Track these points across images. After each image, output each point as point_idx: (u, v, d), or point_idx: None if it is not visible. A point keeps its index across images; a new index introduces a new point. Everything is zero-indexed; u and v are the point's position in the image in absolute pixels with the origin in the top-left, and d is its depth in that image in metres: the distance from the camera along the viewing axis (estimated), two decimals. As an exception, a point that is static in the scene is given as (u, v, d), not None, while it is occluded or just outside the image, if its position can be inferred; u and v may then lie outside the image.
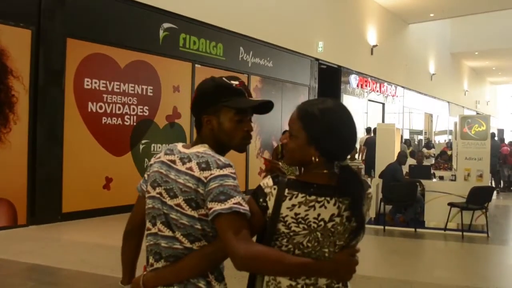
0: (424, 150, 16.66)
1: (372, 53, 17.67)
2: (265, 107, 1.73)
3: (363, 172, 12.25)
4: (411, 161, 10.38)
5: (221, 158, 1.59)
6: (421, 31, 22.67)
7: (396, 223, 8.35)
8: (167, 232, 1.61)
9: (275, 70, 12.40)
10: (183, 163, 1.61)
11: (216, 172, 1.53)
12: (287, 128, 1.69)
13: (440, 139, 26.19)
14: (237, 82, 1.69)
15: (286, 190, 1.52)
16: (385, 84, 19.45)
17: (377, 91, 18.79)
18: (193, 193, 1.55)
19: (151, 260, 1.67)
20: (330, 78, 15.40)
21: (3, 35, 6.64)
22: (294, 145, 1.57)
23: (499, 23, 23.64)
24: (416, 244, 7.45)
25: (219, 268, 1.64)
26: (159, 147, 9.02)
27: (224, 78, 1.70)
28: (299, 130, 1.55)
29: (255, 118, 1.81)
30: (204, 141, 1.69)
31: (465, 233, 7.65)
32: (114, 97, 8.17)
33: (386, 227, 8.04)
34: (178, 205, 1.58)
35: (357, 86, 17.04)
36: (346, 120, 1.57)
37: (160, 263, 1.63)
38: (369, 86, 17.95)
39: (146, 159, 8.73)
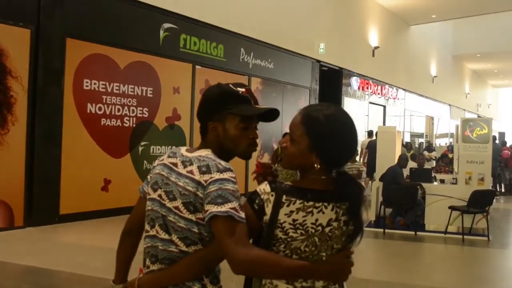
0: (425, 153, 16.61)
1: (373, 55, 17.62)
2: (271, 114, 1.72)
3: (364, 174, 12.21)
4: (412, 164, 10.33)
5: (222, 162, 1.59)
6: (423, 33, 22.63)
7: (396, 226, 8.30)
8: (164, 235, 1.62)
9: (276, 71, 12.36)
10: (185, 166, 1.62)
11: (216, 175, 1.54)
12: (287, 130, 1.67)
13: (441, 142, 26.14)
14: (243, 89, 1.69)
15: (284, 197, 1.51)
16: (387, 86, 19.40)
17: (378, 94, 18.74)
18: (192, 196, 1.55)
19: (147, 262, 1.67)
20: (331, 80, 15.36)
21: (1, 34, 6.61)
22: (295, 150, 1.56)
23: (502, 25, 23.59)
24: (416, 247, 7.40)
25: (214, 271, 1.64)
26: (159, 149, 8.98)
27: (230, 85, 1.70)
28: (302, 135, 1.54)
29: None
30: (209, 147, 1.69)
31: (465, 237, 7.61)
32: (114, 98, 8.13)
33: (386, 230, 8.00)
34: (177, 207, 1.58)
35: (358, 88, 16.99)
36: (349, 128, 1.56)
37: (156, 266, 1.64)
38: (370, 89, 17.90)
39: (145, 161, 8.69)
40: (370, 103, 18.16)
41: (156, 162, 1.77)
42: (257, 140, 1.77)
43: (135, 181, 8.24)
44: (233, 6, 10.72)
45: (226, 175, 1.54)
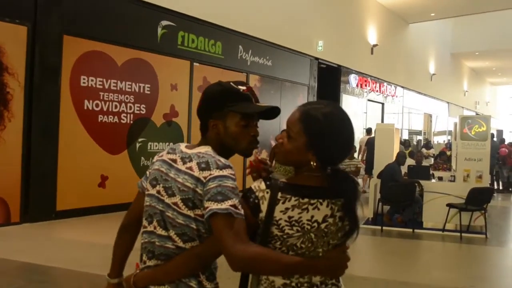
0: (424, 150, 16.61)
1: (372, 53, 17.60)
2: (271, 112, 1.73)
3: (362, 171, 12.21)
4: (410, 161, 10.32)
5: (221, 159, 1.59)
6: (421, 31, 22.60)
7: (394, 223, 8.29)
8: (162, 231, 1.62)
9: (274, 69, 12.34)
10: (184, 163, 1.62)
11: (216, 172, 1.54)
12: (285, 127, 1.67)
13: (439, 140, 26.14)
14: (244, 88, 1.70)
15: (279, 194, 1.51)
16: (385, 84, 19.39)
17: (377, 91, 18.73)
18: (191, 192, 1.56)
19: (144, 258, 1.68)
20: (330, 78, 15.33)
21: (-2, 31, 6.58)
22: (291, 147, 1.55)
23: (500, 24, 23.60)
24: (414, 245, 7.40)
25: (210, 268, 1.64)
26: (156, 146, 8.96)
27: (231, 83, 1.71)
28: (299, 133, 1.53)
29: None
30: (209, 144, 1.69)
31: (463, 234, 7.60)
32: (111, 95, 8.11)
33: (384, 228, 7.98)
34: (175, 203, 1.59)
35: (357, 85, 16.97)
36: (347, 128, 1.56)
37: (152, 261, 1.64)
38: (368, 86, 17.89)
39: (142, 158, 8.67)
40: (369, 100, 18.14)
41: (155, 158, 1.78)
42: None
43: (132, 178, 8.23)
44: (231, 4, 10.68)
45: (225, 172, 1.54)
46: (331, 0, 14.92)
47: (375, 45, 17.60)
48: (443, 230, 7.89)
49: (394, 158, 8.75)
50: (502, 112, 44.10)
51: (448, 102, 29.00)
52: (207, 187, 1.52)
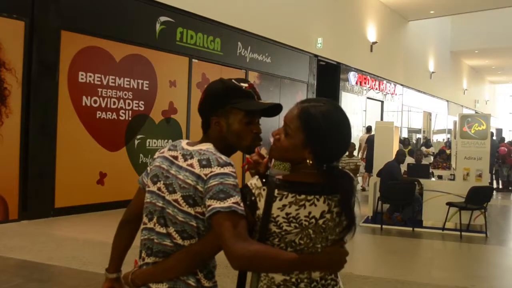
0: (423, 148, 16.59)
1: (371, 50, 17.56)
2: (273, 110, 1.73)
3: (362, 169, 12.18)
4: (409, 159, 10.29)
5: (222, 156, 1.59)
6: (421, 29, 22.59)
7: (393, 222, 8.26)
8: (161, 228, 1.62)
9: (273, 66, 12.29)
10: (185, 160, 1.62)
11: (217, 170, 1.54)
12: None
13: (439, 138, 26.14)
14: (246, 85, 1.70)
15: (276, 191, 1.51)
16: (384, 81, 19.36)
17: (376, 89, 18.70)
18: (192, 189, 1.55)
19: (143, 254, 1.69)
20: (329, 75, 15.29)
21: (-5, 26, 6.52)
22: (288, 144, 1.55)
23: (500, 22, 23.58)
24: (413, 244, 7.36)
25: (209, 266, 1.64)
26: (155, 143, 8.91)
27: (233, 80, 1.71)
28: (297, 130, 1.52)
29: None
30: (211, 141, 1.69)
31: (463, 233, 7.57)
32: (109, 91, 8.05)
33: (384, 226, 7.95)
34: (176, 200, 1.59)
35: (356, 83, 16.93)
36: (345, 127, 1.56)
37: (150, 258, 1.65)
38: (368, 84, 17.85)
39: (141, 155, 8.63)
40: (368, 98, 18.11)
41: (157, 154, 1.78)
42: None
43: (131, 175, 8.19)
44: (231, 0, 10.62)
45: (226, 169, 1.54)
46: (331, -3, 14.87)
47: (374, 43, 17.56)
48: (443, 229, 7.86)
49: (393, 157, 8.72)
50: (502, 111, 44.14)
51: (447, 101, 29.01)
52: (208, 185, 1.51)
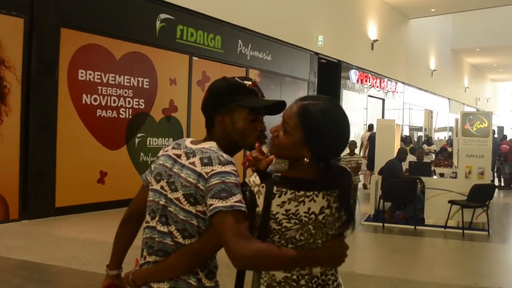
0: (425, 146, 16.54)
1: (372, 48, 17.51)
2: (277, 107, 1.73)
3: (364, 167, 12.14)
4: (411, 157, 10.25)
5: (224, 154, 1.58)
6: (422, 27, 22.54)
7: (395, 220, 8.22)
8: (162, 227, 1.62)
9: (274, 63, 12.24)
10: (188, 158, 1.62)
11: (218, 168, 1.53)
12: None
13: (440, 136, 26.10)
14: (250, 82, 1.70)
15: (275, 188, 1.51)
16: (385, 79, 19.31)
17: (377, 87, 18.65)
18: (193, 188, 1.55)
19: (144, 253, 1.69)
20: (330, 73, 15.25)
21: (-6, 24, 6.48)
22: (287, 142, 1.54)
23: (501, 20, 23.53)
24: (415, 242, 7.33)
25: (210, 266, 1.63)
26: (155, 141, 8.88)
27: (237, 78, 1.71)
28: (296, 127, 1.52)
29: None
30: (215, 139, 1.68)
31: (465, 231, 7.54)
32: (109, 89, 8.01)
33: (385, 224, 7.92)
34: (177, 199, 1.59)
35: (357, 81, 16.89)
36: (344, 125, 1.56)
37: (151, 257, 1.65)
38: (369, 82, 17.81)
39: (141, 153, 8.59)
40: (369, 96, 18.06)
41: (161, 152, 1.78)
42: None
43: (132, 173, 8.17)
44: (231, -3, 10.59)
45: (228, 168, 1.53)
46: (332, -6, 14.82)
47: (375, 41, 17.52)
48: (445, 227, 7.83)
49: (395, 155, 8.68)
50: (503, 109, 44.07)
51: (448, 98, 28.96)
52: (209, 183, 1.51)
